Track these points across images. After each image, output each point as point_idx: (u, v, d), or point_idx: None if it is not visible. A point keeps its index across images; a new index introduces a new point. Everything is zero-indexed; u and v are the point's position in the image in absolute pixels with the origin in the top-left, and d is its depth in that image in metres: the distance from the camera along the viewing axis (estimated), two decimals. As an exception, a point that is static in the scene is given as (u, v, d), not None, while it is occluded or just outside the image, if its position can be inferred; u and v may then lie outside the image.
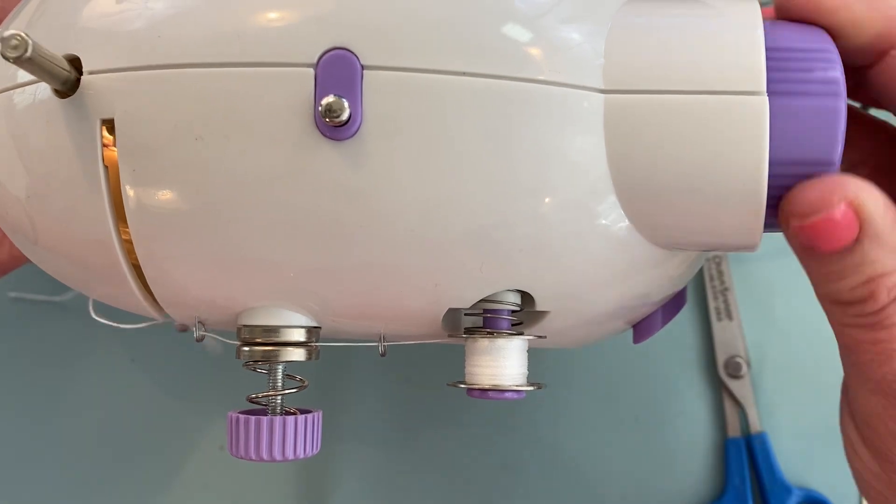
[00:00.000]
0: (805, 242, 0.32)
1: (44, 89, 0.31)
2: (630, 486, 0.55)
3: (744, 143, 0.30)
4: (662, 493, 0.54)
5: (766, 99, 0.30)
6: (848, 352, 0.34)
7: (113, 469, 0.55)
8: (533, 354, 0.35)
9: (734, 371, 0.54)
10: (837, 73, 0.31)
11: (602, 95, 0.30)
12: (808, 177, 0.31)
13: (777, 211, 0.32)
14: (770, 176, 0.30)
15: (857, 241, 0.31)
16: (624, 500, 0.54)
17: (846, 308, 0.33)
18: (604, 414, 0.55)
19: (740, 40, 0.31)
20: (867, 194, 0.31)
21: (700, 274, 0.55)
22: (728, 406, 0.55)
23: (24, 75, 0.31)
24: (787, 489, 0.53)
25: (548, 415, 0.55)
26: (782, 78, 0.31)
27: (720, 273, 0.55)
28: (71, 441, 0.55)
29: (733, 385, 0.55)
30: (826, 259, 0.32)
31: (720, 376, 0.55)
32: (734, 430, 0.54)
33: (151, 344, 0.55)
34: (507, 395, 0.34)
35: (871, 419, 0.34)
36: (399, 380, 0.55)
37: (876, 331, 0.32)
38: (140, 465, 0.55)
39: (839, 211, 0.31)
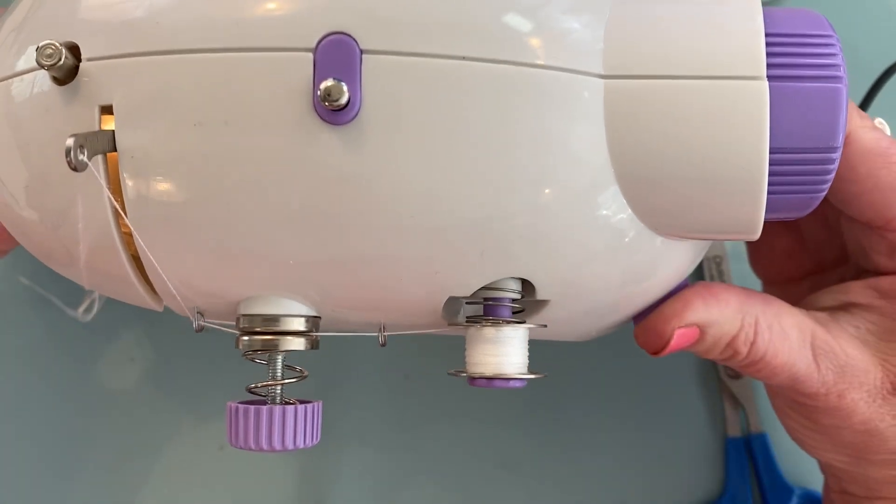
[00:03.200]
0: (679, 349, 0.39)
1: (42, 78, 0.31)
2: (630, 486, 0.54)
3: (744, 127, 0.30)
4: (662, 493, 0.54)
5: (766, 84, 0.30)
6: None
7: (113, 469, 0.55)
8: (532, 353, 0.35)
9: (734, 371, 0.54)
10: (837, 57, 0.31)
11: (602, 81, 0.30)
12: (810, 163, 0.32)
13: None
14: (771, 163, 0.30)
15: (701, 333, 0.38)
16: (624, 501, 0.54)
17: (728, 361, 0.40)
18: (604, 414, 0.55)
19: (740, 25, 0.31)
20: (686, 310, 0.38)
21: (700, 273, 0.55)
22: (728, 406, 0.55)
23: (22, 64, 0.31)
24: (787, 489, 0.53)
25: (548, 414, 0.54)
26: (782, 63, 0.31)
27: (720, 273, 0.55)
28: (70, 441, 0.55)
29: (733, 385, 0.54)
30: (696, 347, 0.39)
31: (720, 376, 0.55)
32: (734, 430, 0.54)
33: (151, 344, 0.55)
34: (507, 383, 0.33)
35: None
36: (398, 377, 0.55)
37: (754, 365, 0.39)
38: (140, 465, 0.55)
39: (672, 342, 0.38)
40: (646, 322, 0.39)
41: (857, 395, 0.38)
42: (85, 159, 0.28)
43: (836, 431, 0.40)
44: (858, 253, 0.42)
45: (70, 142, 0.28)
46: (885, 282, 0.40)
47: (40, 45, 0.29)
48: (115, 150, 0.30)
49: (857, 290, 0.40)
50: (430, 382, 0.55)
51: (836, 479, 0.44)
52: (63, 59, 0.29)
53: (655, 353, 0.39)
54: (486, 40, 0.29)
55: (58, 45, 0.29)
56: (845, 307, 0.40)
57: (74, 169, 0.28)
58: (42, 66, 0.29)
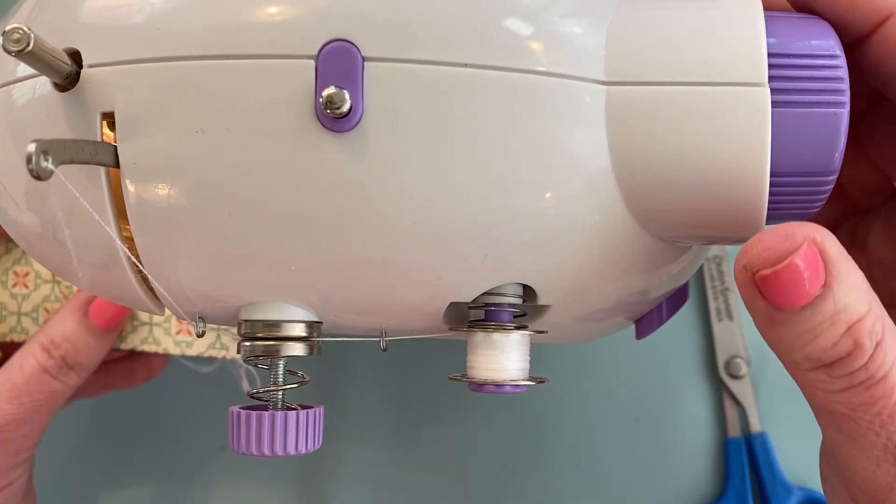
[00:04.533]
0: (774, 300, 0.29)
1: (43, 84, 0.31)
2: (630, 486, 0.54)
3: (745, 134, 0.30)
4: (662, 493, 0.54)
5: (767, 90, 0.30)
6: (839, 421, 0.31)
7: (113, 469, 0.55)
8: (533, 354, 0.35)
9: (734, 371, 0.54)
10: (841, 81, 0.31)
11: (603, 87, 0.30)
12: (805, 185, 0.32)
13: (737, 267, 0.30)
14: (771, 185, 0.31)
15: (826, 286, 0.29)
16: (624, 501, 0.54)
17: (831, 370, 0.30)
18: (604, 414, 0.55)
19: (741, 32, 0.31)
20: (825, 235, 0.29)
21: (700, 274, 0.55)
22: (728, 406, 0.55)
23: (23, 70, 0.31)
24: (787, 489, 0.53)
25: (548, 414, 0.55)
26: (781, 88, 0.30)
27: (720, 273, 0.55)
28: (70, 441, 0.55)
29: (733, 385, 0.55)
30: (796, 319, 0.30)
31: (720, 376, 0.55)
32: (734, 430, 0.54)
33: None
34: (507, 388, 0.34)
35: (881, 493, 0.31)
36: (399, 378, 0.55)
37: (871, 387, 0.30)
38: (140, 465, 0.55)
39: (803, 253, 0.29)
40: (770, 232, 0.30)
41: None
42: (50, 166, 0.26)
43: None
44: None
45: (32, 147, 0.26)
46: None
47: (7, 28, 0.28)
48: (118, 164, 0.30)
49: None
50: (430, 383, 0.55)
51: None
52: (31, 44, 0.28)
53: (752, 270, 0.30)
54: (488, 47, 0.29)
55: (25, 29, 0.28)
56: None
57: (37, 177, 0.26)
58: (8, 52, 0.28)
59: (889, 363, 0.29)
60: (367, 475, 0.54)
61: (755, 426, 0.54)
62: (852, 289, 0.29)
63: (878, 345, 0.29)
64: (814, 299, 0.29)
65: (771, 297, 0.29)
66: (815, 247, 0.29)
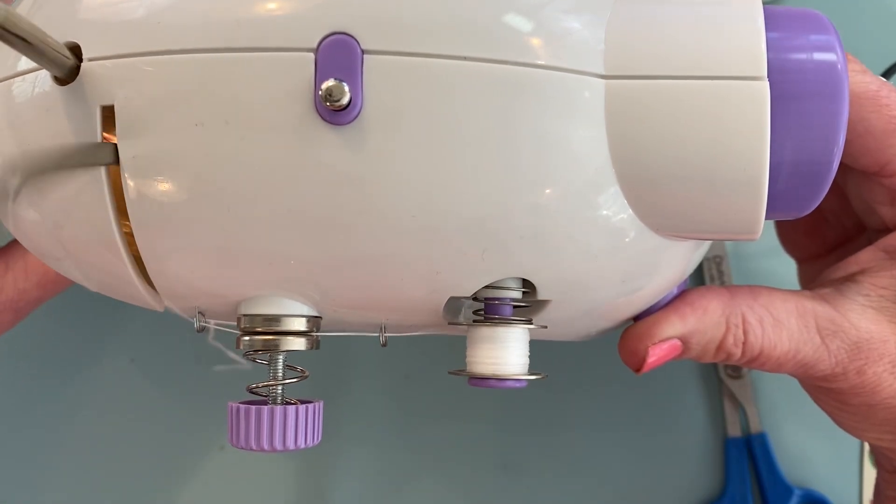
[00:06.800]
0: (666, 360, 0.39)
1: (44, 78, 0.31)
2: (630, 486, 0.54)
3: (745, 128, 0.30)
4: (662, 493, 0.54)
5: (766, 84, 0.30)
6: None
7: (113, 469, 0.55)
8: (533, 353, 0.35)
9: (734, 371, 0.54)
10: (841, 76, 0.31)
11: (603, 81, 0.30)
12: (807, 180, 0.32)
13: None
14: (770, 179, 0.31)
15: (685, 346, 0.38)
16: (624, 500, 0.54)
17: (748, 367, 0.40)
18: (604, 414, 0.55)
19: (741, 26, 0.31)
20: (661, 327, 0.38)
21: (700, 273, 0.55)
22: (728, 406, 0.55)
23: (24, 64, 0.31)
24: (787, 489, 0.53)
25: (548, 415, 0.55)
26: (781, 80, 0.31)
27: (720, 273, 0.55)
28: (70, 441, 0.55)
29: (733, 385, 0.54)
30: (696, 360, 0.39)
31: (720, 376, 0.55)
32: (734, 430, 0.54)
33: (151, 344, 0.55)
34: (508, 383, 0.33)
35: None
36: (399, 376, 0.55)
37: (758, 364, 0.39)
38: (140, 465, 0.55)
39: (650, 356, 0.38)
40: (623, 340, 0.39)
41: (879, 367, 0.37)
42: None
43: (868, 410, 0.38)
44: (866, 213, 0.41)
45: None
46: (892, 239, 0.39)
47: None
48: (117, 161, 0.30)
49: (865, 257, 0.39)
50: (430, 382, 0.55)
51: (888, 459, 0.42)
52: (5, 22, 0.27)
53: (636, 370, 0.39)
54: (487, 40, 0.29)
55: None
56: (853, 277, 0.39)
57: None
58: None
59: (756, 347, 0.38)
60: (366, 473, 0.54)
61: (755, 426, 0.54)
62: (704, 330, 0.38)
63: (743, 343, 0.38)
64: (682, 352, 0.38)
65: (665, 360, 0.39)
66: (657, 346, 0.38)
